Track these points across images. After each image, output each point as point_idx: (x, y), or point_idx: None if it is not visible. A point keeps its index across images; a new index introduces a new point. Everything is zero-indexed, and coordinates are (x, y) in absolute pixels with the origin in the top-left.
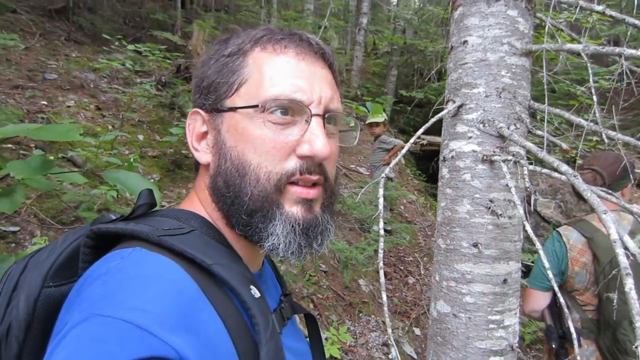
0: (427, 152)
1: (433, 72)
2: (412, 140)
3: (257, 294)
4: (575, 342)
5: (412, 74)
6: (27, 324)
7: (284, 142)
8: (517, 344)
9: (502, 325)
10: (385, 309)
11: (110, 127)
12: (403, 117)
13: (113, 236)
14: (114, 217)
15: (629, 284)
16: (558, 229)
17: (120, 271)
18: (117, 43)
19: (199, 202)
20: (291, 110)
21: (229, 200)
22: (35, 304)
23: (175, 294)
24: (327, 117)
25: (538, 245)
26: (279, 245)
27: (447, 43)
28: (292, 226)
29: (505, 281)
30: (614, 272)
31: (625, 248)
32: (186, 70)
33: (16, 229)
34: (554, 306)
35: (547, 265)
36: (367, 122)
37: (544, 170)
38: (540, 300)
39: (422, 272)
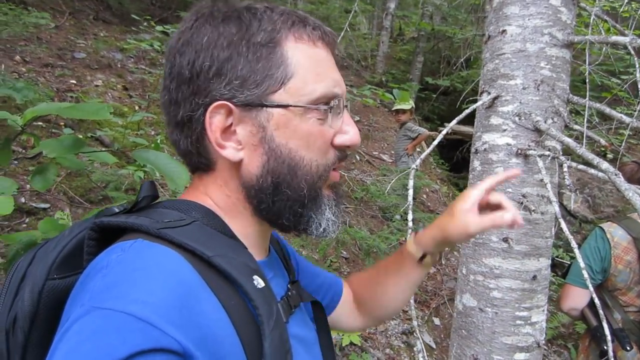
0: (451, 141)
1: (462, 60)
2: (443, 133)
3: (260, 284)
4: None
5: (438, 61)
6: (31, 315)
7: (328, 135)
8: (543, 341)
9: (529, 321)
10: (411, 300)
11: (137, 108)
12: (428, 104)
13: (116, 229)
14: (117, 210)
15: None
16: (601, 225)
17: (120, 263)
18: (145, 24)
19: (207, 196)
20: (330, 104)
21: (283, 197)
22: (39, 296)
23: (176, 284)
24: (347, 103)
25: (574, 244)
26: (329, 228)
27: (478, 30)
28: (334, 206)
29: (534, 277)
30: None
31: None
32: None
33: (46, 205)
34: (595, 305)
35: (582, 264)
36: (393, 109)
37: (581, 167)
38: (580, 298)
39: (442, 262)
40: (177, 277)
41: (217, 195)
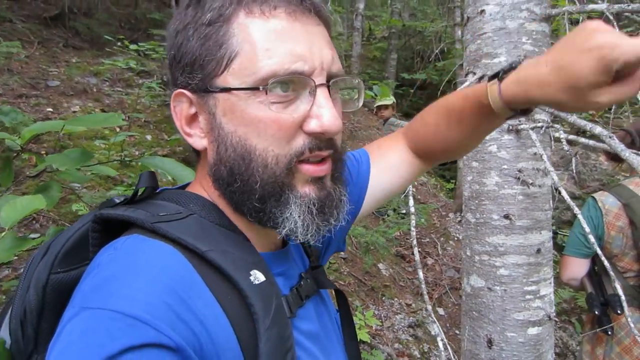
0: None
1: (436, 51)
2: None
3: (258, 279)
4: (625, 306)
5: (411, 57)
6: (38, 309)
7: (289, 121)
8: (554, 313)
9: (538, 295)
10: (423, 286)
11: (117, 129)
12: (406, 100)
13: (116, 220)
14: (117, 201)
15: None
16: (593, 195)
17: (111, 262)
18: (119, 44)
19: (201, 186)
20: (292, 84)
21: (237, 188)
22: (44, 290)
23: (166, 280)
24: (332, 83)
25: (577, 210)
26: (297, 229)
27: (448, 22)
28: (309, 207)
29: (539, 251)
30: None
31: None
32: None
33: (37, 235)
34: (593, 274)
35: (587, 229)
36: (375, 106)
37: (575, 137)
38: (579, 268)
39: (440, 253)
40: (169, 273)
41: (205, 184)
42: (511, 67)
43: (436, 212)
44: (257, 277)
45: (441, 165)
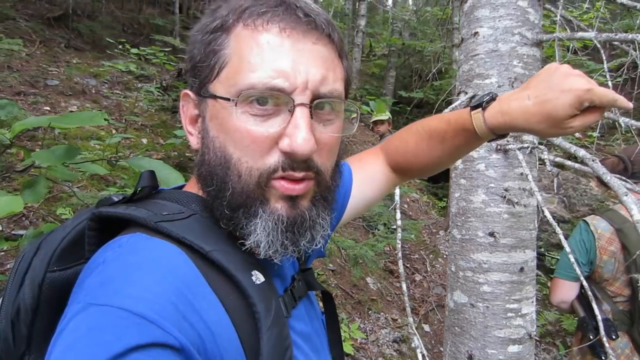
0: None
1: (433, 71)
2: None
3: (259, 279)
4: (603, 331)
5: (410, 75)
6: (33, 308)
7: (263, 135)
8: (535, 332)
9: (519, 313)
10: (406, 298)
11: (114, 131)
12: (403, 118)
13: (115, 219)
14: (116, 200)
15: None
16: (585, 219)
17: (117, 259)
18: (120, 47)
19: (197, 186)
20: (272, 99)
21: (213, 192)
22: (40, 289)
23: (172, 279)
24: (317, 103)
25: (558, 230)
26: (261, 243)
27: (447, 42)
28: (275, 223)
29: (522, 269)
30: None
31: None
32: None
33: (24, 232)
34: (583, 297)
35: (570, 255)
36: (371, 121)
37: (560, 160)
38: (569, 291)
39: (428, 269)
40: (174, 272)
41: (201, 187)
42: (492, 98)
43: (426, 229)
44: (258, 277)
45: (434, 183)
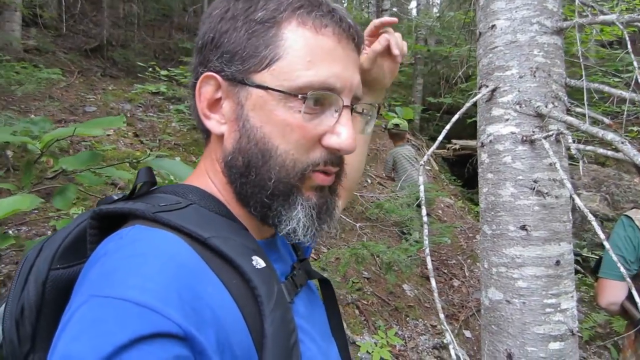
0: (460, 157)
1: (460, 73)
2: (441, 137)
3: (260, 264)
4: None
5: (437, 82)
6: (37, 306)
7: (313, 132)
8: (577, 329)
9: (559, 308)
10: (436, 294)
11: (148, 151)
12: (432, 124)
13: (117, 216)
14: (115, 198)
15: None
16: (627, 213)
17: (118, 250)
18: (150, 69)
19: (205, 173)
20: (324, 99)
21: (250, 181)
22: (44, 287)
23: (175, 268)
24: (355, 107)
25: (590, 217)
26: (299, 229)
27: (472, 45)
28: (310, 212)
29: (558, 263)
30: None
31: None
32: None
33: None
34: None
35: (612, 253)
36: (388, 127)
37: (593, 148)
38: (618, 291)
39: (466, 274)
40: (176, 260)
41: (212, 170)
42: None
43: (463, 234)
44: (259, 262)
45: (470, 188)
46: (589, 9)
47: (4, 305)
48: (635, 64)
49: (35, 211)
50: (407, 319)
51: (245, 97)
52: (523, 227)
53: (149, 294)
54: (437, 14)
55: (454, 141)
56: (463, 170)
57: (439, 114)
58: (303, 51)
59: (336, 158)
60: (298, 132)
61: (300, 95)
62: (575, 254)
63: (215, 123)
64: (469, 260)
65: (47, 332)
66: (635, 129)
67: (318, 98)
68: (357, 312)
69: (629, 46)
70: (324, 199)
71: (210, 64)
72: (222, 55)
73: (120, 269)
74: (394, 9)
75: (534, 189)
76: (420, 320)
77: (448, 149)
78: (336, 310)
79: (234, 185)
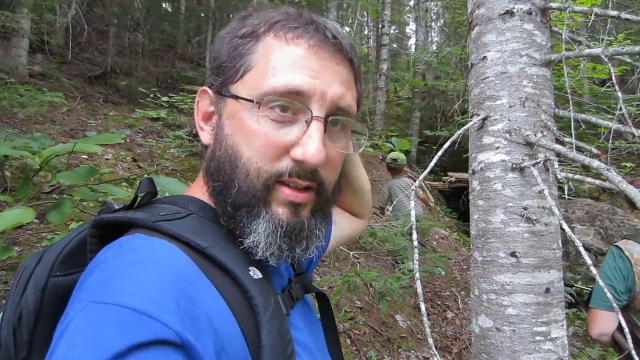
0: (456, 190)
1: (455, 106)
2: (432, 163)
3: (257, 275)
4: None
5: (434, 115)
6: (35, 312)
7: (278, 141)
8: (567, 358)
9: (549, 337)
10: (425, 318)
11: (145, 175)
12: (429, 157)
13: (118, 225)
14: (116, 207)
15: None
16: (617, 244)
17: (117, 258)
18: (152, 95)
19: (201, 184)
20: (292, 108)
21: (218, 188)
22: (42, 293)
23: (173, 276)
24: (332, 120)
25: (577, 242)
26: (259, 244)
27: (468, 79)
28: (275, 227)
29: (547, 290)
30: None
31: None
32: None
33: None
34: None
35: (601, 283)
36: (387, 161)
37: (577, 177)
38: (608, 322)
39: (460, 307)
40: (174, 268)
41: (204, 181)
42: None
43: (457, 266)
44: (256, 273)
45: (465, 220)
46: (577, 44)
47: (2, 313)
48: (619, 94)
49: (29, 232)
50: (400, 350)
51: (223, 107)
52: (513, 254)
53: (147, 301)
54: (435, 50)
55: (449, 174)
56: (458, 203)
57: (435, 147)
58: (270, 60)
59: (306, 172)
60: (262, 139)
61: (264, 99)
62: (570, 285)
63: (205, 134)
64: (462, 292)
65: (43, 339)
66: (628, 164)
67: (283, 105)
68: (348, 342)
69: (613, 78)
70: (298, 218)
71: (207, 80)
72: (213, 70)
73: (119, 276)
74: (394, 45)
75: (523, 215)
76: (413, 351)
77: (444, 182)
78: (333, 325)
79: (210, 192)
